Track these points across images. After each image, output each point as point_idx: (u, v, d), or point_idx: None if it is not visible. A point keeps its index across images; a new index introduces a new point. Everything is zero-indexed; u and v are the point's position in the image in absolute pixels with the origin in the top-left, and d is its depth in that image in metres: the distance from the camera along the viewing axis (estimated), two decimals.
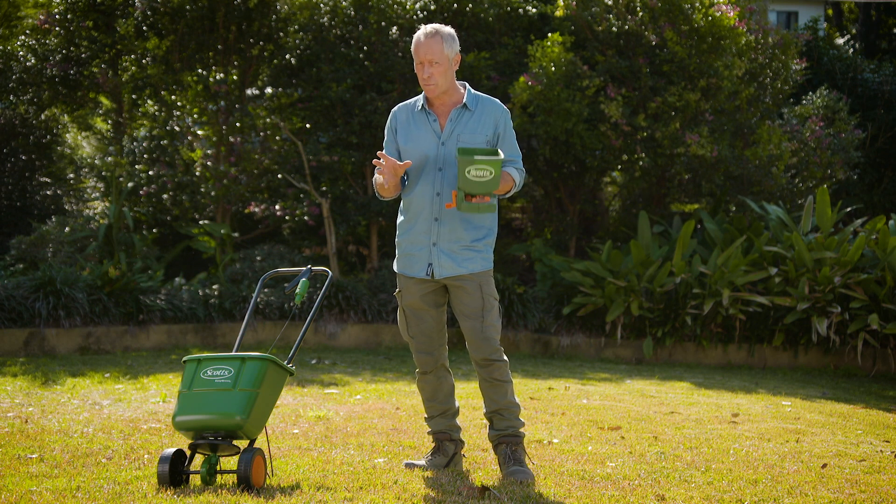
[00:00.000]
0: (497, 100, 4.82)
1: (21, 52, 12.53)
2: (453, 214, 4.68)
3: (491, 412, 4.80)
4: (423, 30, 4.68)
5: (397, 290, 4.86)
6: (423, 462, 4.91)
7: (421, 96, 4.81)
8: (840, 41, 20.42)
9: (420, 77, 4.68)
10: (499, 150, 4.62)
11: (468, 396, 7.31)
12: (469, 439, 5.64)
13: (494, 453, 4.86)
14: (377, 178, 4.71)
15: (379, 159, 4.59)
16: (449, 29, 4.71)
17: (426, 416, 4.99)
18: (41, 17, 12.54)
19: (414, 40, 4.69)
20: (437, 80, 4.65)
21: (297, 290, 4.74)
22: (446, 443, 4.92)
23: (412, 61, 11.88)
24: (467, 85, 4.82)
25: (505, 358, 4.79)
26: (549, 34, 11.48)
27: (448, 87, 4.71)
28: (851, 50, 18.25)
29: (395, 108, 4.88)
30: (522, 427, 4.81)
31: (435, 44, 4.62)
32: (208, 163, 12.37)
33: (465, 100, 4.73)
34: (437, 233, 4.70)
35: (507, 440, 4.77)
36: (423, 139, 4.73)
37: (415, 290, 4.78)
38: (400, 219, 4.84)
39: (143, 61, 12.26)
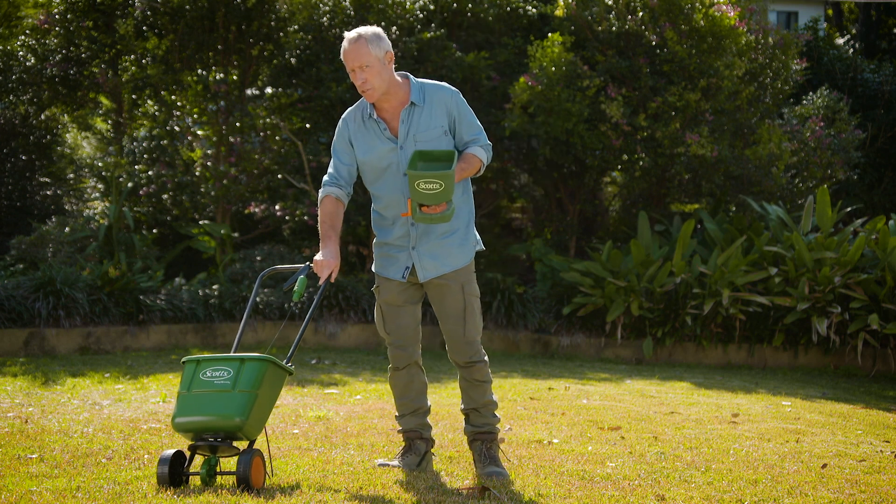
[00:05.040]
0: (443, 84, 4.69)
1: (21, 52, 12.52)
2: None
3: (469, 409, 4.84)
4: (347, 36, 4.55)
5: (375, 286, 4.84)
6: (395, 462, 4.89)
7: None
8: (840, 41, 20.40)
9: (356, 85, 4.55)
10: (453, 155, 4.48)
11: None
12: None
13: (469, 448, 4.88)
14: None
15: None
16: (372, 28, 4.56)
17: (396, 414, 4.96)
18: (41, 17, 12.53)
19: (341, 50, 4.56)
20: (372, 84, 4.52)
21: (295, 288, 4.69)
22: (417, 441, 4.89)
23: (412, 62, 11.99)
24: (409, 76, 4.68)
25: (485, 358, 4.79)
26: (549, 34, 11.47)
27: (388, 87, 4.58)
28: (851, 50, 18.24)
29: (345, 114, 4.76)
30: (498, 423, 4.85)
31: (360, 47, 4.49)
32: (208, 163, 12.36)
33: (411, 97, 4.62)
34: (416, 236, 4.66)
35: (482, 437, 4.81)
36: (379, 149, 4.64)
37: (393, 287, 4.75)
38: (374, 217, 4.78)
39: (143, 61, 12.25)
